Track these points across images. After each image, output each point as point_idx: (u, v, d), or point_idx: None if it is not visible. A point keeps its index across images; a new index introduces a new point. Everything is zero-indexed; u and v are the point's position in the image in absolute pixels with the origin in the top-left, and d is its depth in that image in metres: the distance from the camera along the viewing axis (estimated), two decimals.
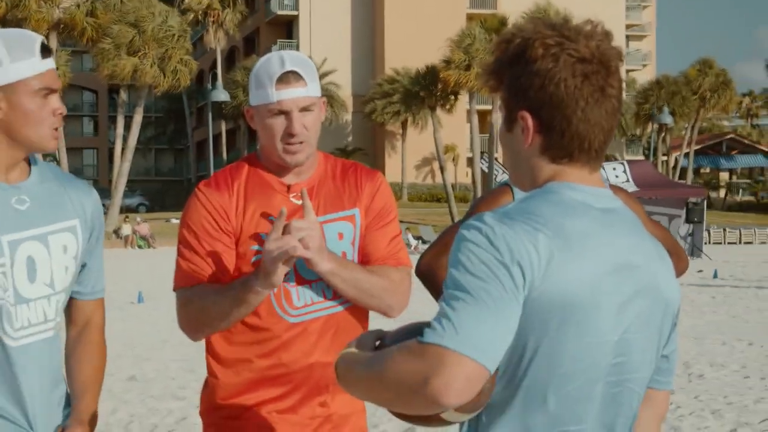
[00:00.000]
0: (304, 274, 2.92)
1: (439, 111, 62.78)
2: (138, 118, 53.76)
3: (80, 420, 2.73)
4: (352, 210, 3.02)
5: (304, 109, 2.91)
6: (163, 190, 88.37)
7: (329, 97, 67.61)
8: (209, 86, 53.98)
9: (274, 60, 2.91)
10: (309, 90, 2.91)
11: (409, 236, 43.97)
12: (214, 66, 74.41)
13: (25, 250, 2.60)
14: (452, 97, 61.00)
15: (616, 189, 3.60)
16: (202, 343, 3.06)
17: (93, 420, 2.78)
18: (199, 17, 66.88)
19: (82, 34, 53.33)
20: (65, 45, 58.63)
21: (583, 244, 1.88)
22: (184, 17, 60.74)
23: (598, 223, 1.92)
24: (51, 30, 52.24)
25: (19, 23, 50.87)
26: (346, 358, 1.98)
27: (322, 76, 68.44)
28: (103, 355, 2.88)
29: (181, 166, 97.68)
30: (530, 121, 1.94)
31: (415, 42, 70.28)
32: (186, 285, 2.95)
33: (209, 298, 2.88)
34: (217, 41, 68.39)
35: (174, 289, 2.98)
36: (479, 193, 57.39)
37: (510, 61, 1.97)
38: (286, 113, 2.89)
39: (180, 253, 2.98)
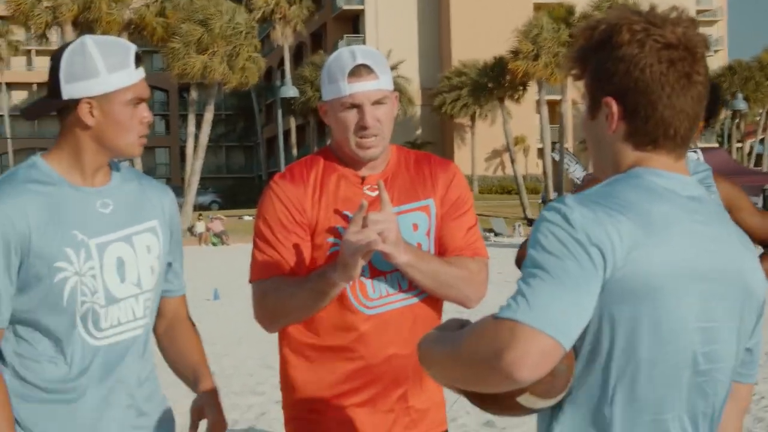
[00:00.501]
0: (378, 265, 2.92)
1: (507, 102, 62.45)
2: (209, 116, 54.26)
3: (209, 397, 2.83)
4: (426, 200, 3.02)
5: (377, 102, 2.93)
6: (234, 187, 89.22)
7: (398, 90, 67.30)
8: (278, 83, 54.38)
9: (345, 54, 2.93)
10: (381, 83, 2.93)
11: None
12: (281, 63, 74.86)
13: (113, 252, 2.65)
14: (521, 88, 60.62)
15: (719, 177, 3.61)
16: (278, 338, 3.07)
17: (217, 395, 2.87)
18: (266, 14, 67.29)
19: (152, 34, 53.94)
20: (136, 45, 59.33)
21: (668, 231, 1.87)
22: (251, 14, 61.17)
23: (683, 210, 1.91)
24: (122, 31, 52.90)
25: (90, 25, 51.60)
26: (427, 338, 2.01)
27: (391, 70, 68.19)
28: (199, 339, 2.99)
29: (251, 163, 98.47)
30: (615, 107, 1.94)
31: (482, 33, 70.02)
32: (262, 277, 2.97)
33: (286, 290, 2.90)
34: (284, 38, 68.74)
35: (250, 281, 3.00)
36: (550, 184, 57.03)
37: (595, 47, 1.97)
38: (358, 106, 2.91)
39: (256, 245, 3.01)
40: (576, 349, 1.90)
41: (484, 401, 1.94)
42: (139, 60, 2.63)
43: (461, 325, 1.98)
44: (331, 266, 2.82)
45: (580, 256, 1.80)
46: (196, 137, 54.51)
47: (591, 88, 1.99)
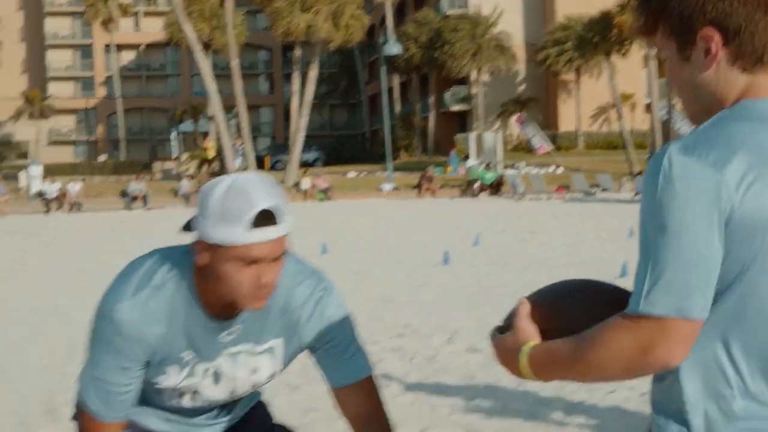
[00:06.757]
0: None
1: (614, 57, 61.37)
2: (313, 74, 54.56)
3: None
4: None
5: None
6: (338, 144, 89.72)
7: (500, 47, 66.93)
8: (381, 40, 54.30)
9: None
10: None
11: (518, 181, 43.38)
12: (384, 20, 74.75)
13: (215, 366, 2.66)
14: (627, 43, 59.47)
15: None
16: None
17: None
18: None
19: None
20: (240, 5, 59.85)
21: None
22: None
23: None
24: None
25: None
26: (534, 354, 1.93)
27: (492, 26, 67.85)
28: None
29: (354, 120, 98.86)
30: (717, 36, 1.83)
31: None
32: None
33: None
34: None
35: None
36: (657, 140, 56.01)
37: None
38: None
39: None
40: None
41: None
42: (264, 220, 2.27)
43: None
44: None
45: (694, 212, 1.71)
46: (301, 95, 54.92)
47: (679, 29, 1.88)
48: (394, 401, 6.83)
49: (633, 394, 6.73)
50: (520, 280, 13.77)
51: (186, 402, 2.65)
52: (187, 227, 2.40)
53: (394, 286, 13.55)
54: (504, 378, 7.48)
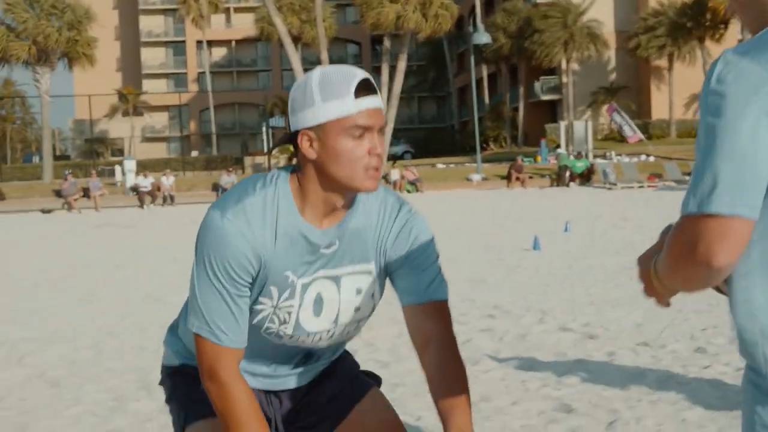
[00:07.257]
0: None
1: (707, 42, 60.26)
2: (402, 65, 54.57)
3: None
4: None
5: None
6: (426, 137, 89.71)
7: (591, 35, 66.22)
8: (470, 29, 54.13)
9: None
10: None
11: (609, 170, 42.59)
12: (472, 10, 74.47)
13: (315, 289, 2.63)
14: (722, 27, 58.36)
15: None
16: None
17: None
18: None
19: None
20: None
21: None
22: None
23: None
24: None
25: None
26: (657, 266, 1.93)
27: (583, 14, 67.17)
28: (462, 371, 2.93)
29: (443, 112, 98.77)
30: None
31: None
32: None
33: None
34: None
35: None
36: None
37: None
38: None
39: None
40: None
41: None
42: (363, 89, 2.42)
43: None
44: None
45: (741, 110, 1.67)
46: (390, 89, 54.98)
47: None
48: (485, 376, 6.80)
49: (729, 369, 6.59)
50: (613, 263, 13.61)
51: (286, 335, 2.62)
52: (280, 142, 2.54)
53: (484, 269, 13.50)
54: (595, 352, 7.41)
